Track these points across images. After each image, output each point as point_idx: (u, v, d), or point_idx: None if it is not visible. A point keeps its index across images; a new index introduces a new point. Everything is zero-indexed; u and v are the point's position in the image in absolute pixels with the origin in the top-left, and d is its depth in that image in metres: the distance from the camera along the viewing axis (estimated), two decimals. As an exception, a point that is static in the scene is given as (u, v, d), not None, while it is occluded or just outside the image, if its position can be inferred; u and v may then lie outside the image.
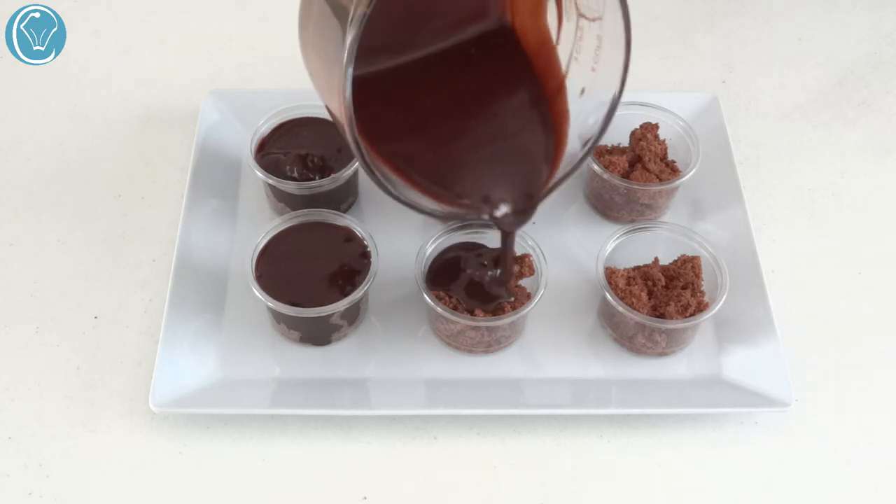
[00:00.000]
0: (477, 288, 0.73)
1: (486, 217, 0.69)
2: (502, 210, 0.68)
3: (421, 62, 0.71)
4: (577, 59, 0.69)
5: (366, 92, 0.59)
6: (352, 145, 0.60)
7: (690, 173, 0.81)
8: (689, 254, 0.75)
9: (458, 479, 0.70)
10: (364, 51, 0.56)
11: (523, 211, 0.69)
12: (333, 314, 0.71)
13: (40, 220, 0.83)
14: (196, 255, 0.79)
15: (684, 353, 0.75)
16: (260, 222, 0.79)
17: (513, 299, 0.73)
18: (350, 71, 0.56)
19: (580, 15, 0.67)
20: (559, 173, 0.69)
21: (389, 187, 0.63)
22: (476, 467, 0.70)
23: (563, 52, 0.70)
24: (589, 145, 0.68)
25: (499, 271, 0.73)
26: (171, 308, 0.74)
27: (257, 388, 0.72)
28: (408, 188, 0.67)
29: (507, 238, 0.71)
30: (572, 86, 0.70)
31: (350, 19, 0.56)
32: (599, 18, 0.65)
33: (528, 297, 0.73)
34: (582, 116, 0.69)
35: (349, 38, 0.55)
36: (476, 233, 0.77)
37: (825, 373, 0.75)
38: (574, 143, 0.70)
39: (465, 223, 0.76)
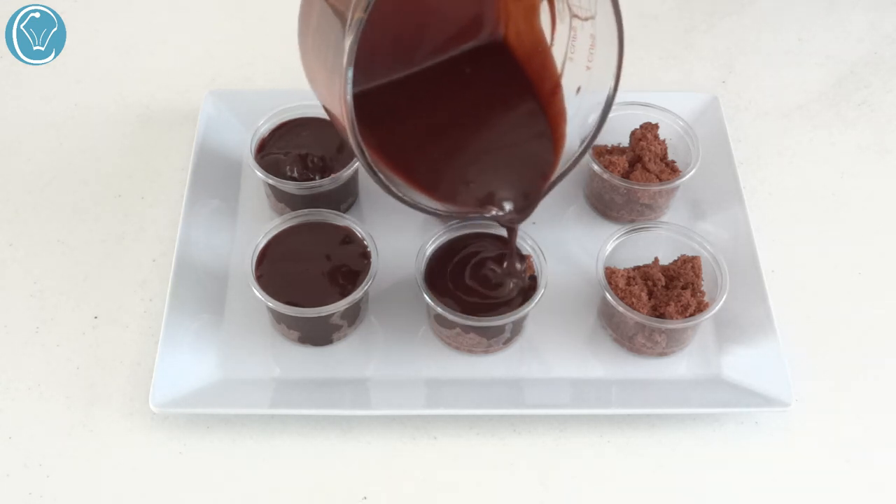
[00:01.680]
0: (479, 283, 0.73)
1: (488, 216, 0.70)
2: (503, 209, 0.69)
3: (420, 75, 0.72)
4: (571, 59, 0.70)
5: (368, 103, 0.60)
6: (354, 148, 0.61)
7: (690, 173, 0.80)
8: (689, 254, 0.75)
9: (458, 479, 0.70)
10: (364, 64, 0.57)
11: (523, 209, 0.70)
12: (333, 314, 0.71)
13: (40, 220, 0.83)
14: (196, 255, 0.78)
15: (684, 353, 0.75)
16: (260, 222, 0.79)
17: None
18: (350, 72, 0.57)
19: (573, 15, 0.68)
20: (559, 170, 0.70)
21: (392, 188, 0.64)
22: (476, 467, 0.70)
23: (557, 53, 0.71)
24: (586, 142, 0.69)
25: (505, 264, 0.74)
26: (171, 308, 0.74)
27: (257, 388, 0.72)
28: (410, 189, 0.67)
29: (511, 233, 0.72)
30: (568, 85, 0.71)
31: (348, 24, 0.56)
32: (592, 17, 0.66)
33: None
34: (580, 114, 0.70)
35: (348, 42, 0.56)
36: (475, 227, 0.77)
37: (825, 373, 0.75)
38: (573, 140, 0.70)
39: (466, 222, 0.76)
